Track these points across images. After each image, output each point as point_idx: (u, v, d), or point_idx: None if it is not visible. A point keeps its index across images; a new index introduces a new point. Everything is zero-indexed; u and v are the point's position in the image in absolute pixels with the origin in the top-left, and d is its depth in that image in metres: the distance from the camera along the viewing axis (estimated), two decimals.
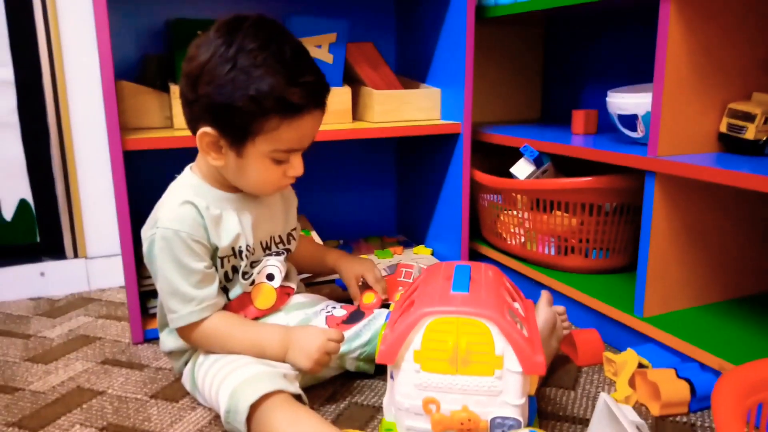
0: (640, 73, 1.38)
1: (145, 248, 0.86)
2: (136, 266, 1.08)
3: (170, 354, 0.95)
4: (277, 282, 0.94)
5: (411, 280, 1.13)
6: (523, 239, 1.30)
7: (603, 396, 0.79)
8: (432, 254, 1.47)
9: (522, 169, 1.24)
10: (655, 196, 0.97)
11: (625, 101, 1.06)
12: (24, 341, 1.13)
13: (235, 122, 0.79)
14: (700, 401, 0.87)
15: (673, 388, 0.86)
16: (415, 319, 0.74)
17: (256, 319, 0.93)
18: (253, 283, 0.92)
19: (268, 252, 0.94)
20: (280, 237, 0.96)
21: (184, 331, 0.86)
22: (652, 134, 0.96)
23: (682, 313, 1.03)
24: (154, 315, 1.16)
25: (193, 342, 0.87)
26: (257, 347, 0.85)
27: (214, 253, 0.87)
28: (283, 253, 0.97)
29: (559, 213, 1.22)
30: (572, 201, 1.18)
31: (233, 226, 0.88)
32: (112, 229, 1.39)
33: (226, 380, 0.78)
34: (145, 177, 1.14)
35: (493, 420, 0.74)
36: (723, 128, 0.98)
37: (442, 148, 1.38)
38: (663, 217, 0.98)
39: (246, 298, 0.92)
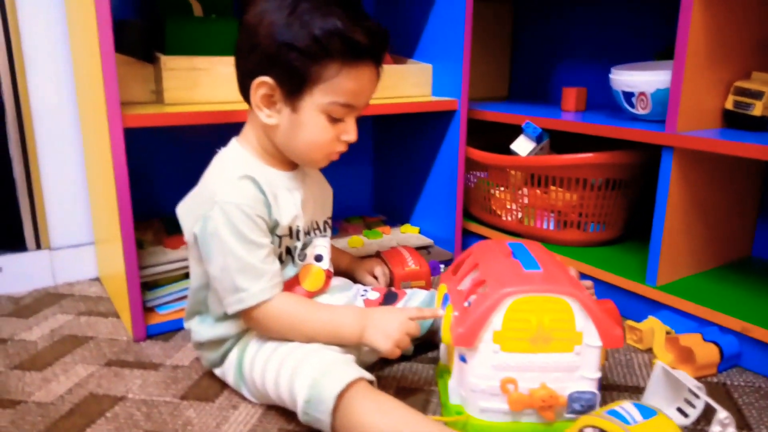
0: (612, 50, 1.44)
1: (198, 227, 0.79)
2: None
3: (204, 345, 0.87)
4: (325, 263, 0.90)
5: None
6: (520, 215, 1.32)
7: (659, 363, 0.82)
8: (419, 232, 1.46)
9: (523, 145, 1.25)
10: (672, 169, 1.01)
11: (634, 79, 1.10)
12: (1, 346, 1.00)
13: (293, 66, 0.75)
14: (727, 362, 0.93)
15: (705, 351, 0.91)
16: (497, 300, 0.73)
17: None
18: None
19: (309, 237, 0.89)
20: (317, 223, 0.91)
21: (250, 313, 0.79)
22: (671, 111, 1.00)
23: (690, 280, 1.10)
24: (151, 309, 1.06)
25: (259, 324, 0.80)
26: (332, 328, 0.80)
27: (272, 230, 0.82)
28: (326, 234, 0.92)
29: (554, 188, 1.25)
30: (574, 176, 1.21)
31: (291, 205, 0.84)
32: (80, 217, 1.26)
33: (300, 369, 0.73)
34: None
35: (570, 395, 0.75)
36: (729, 105, 1.04)
37: (434, 126, 1.36)
38: (676, 190, 1.03)
39: (294, 280, 0.87)
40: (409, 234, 1.45)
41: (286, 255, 0.85)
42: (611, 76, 1.17)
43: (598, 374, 0.75)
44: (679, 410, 0.82)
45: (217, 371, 0.88)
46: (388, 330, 0.79)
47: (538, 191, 1.27)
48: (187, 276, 1.11)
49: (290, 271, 0.87)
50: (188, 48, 1.09)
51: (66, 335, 1.04)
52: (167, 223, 1.26)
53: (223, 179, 0.80)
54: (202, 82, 1.10)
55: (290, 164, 0.87)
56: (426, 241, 1.41)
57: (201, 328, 0.87)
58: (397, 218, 1.54)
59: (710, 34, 0.99)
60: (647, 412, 0.64)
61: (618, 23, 1.44)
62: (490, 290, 0.74)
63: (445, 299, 0.83)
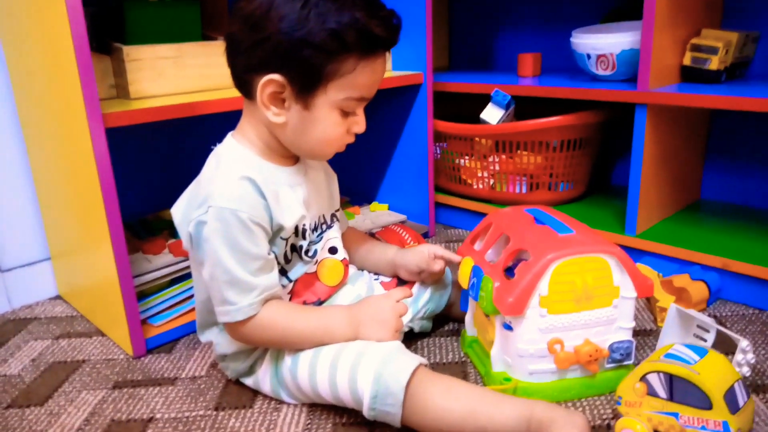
0: (550, 17, 1.49)
1: (191, 230, 0.74)
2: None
3: (229, 357, 0.83)
4: (341, 254, 0.87)
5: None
6: (492, 182, 1.35)
7: (673, 305, 0.89)
8: (389, 209, 1.46)
9: (492, 114, 1.28)
10: (647, 124, 1.08)
11: (600, 41, 1.15)
12: None
13: (308, 64, 0.70)
14: (713, 296, 1.02)
15: (696, 289, 0.99)
16: (543, 266, 0.75)
17: (322, 300, 0.85)
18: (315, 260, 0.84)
19: (316, 233, 0.85)
20: (324, 217, 0.87)
21: (236, 326, 0.75)
22: (642, 70, 1.06)
23: (662, 226, 1.18)
24: (144, 321, 0.99)
25: (245, 337, 0.76)
26: (324, 332, 0.76)
27: (275, 234, 0.77)
28: (333, 226, 0.88)
29: (521, 152, 1.30)
30: (543, 139, 1.26)
31: (295, 203, 0.79)
32: (31, 233, 1.13)
33: (359, 365, 0.71)
34: None
35: (610, 346, 0.79)
36: (687, 61, 1.11)
37: (399, 101, 1.35)
38: (649, 143, 1.10)
39: (311, 278, 0.84)
40: (380, 212, 1.44)
41: (292, 253, 0.81)
42: (573, 39, 1.22)
43: (633, 323, 0.80)
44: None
45: (247, 381, 0.83)
46: (383, 318, 0.78)
47: (504, 157, 1.31)
48: (174, 282, 1.05)
49: (300, 269, 0.82)
50: (150, 36, 1.00)
51: (52, 363, 0.94)
52: (134, 228, 1.17)
53: (220, 181, 0.73)
54: (168, 73, 1.02)
55: (292, 158, 0.82)
56: (399, 217, 1.41)
57: (224, 340, 0.82)
58: (362, 198, 1.53)
59: None
60: (700, 351, 0.69)
61: None
62: (533, 257, 0.76)
63: (475, 271, 0.84)
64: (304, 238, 0.81)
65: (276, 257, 0.77)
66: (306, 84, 0.72)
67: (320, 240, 0.84)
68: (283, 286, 0.80)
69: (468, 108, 1.43)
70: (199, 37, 1.07)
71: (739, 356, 0.78)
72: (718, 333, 0.85)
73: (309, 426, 0.77)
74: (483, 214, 1.38)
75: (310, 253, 0.82)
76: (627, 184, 1.44)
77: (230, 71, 0.77)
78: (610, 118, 1.27)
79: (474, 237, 0.92)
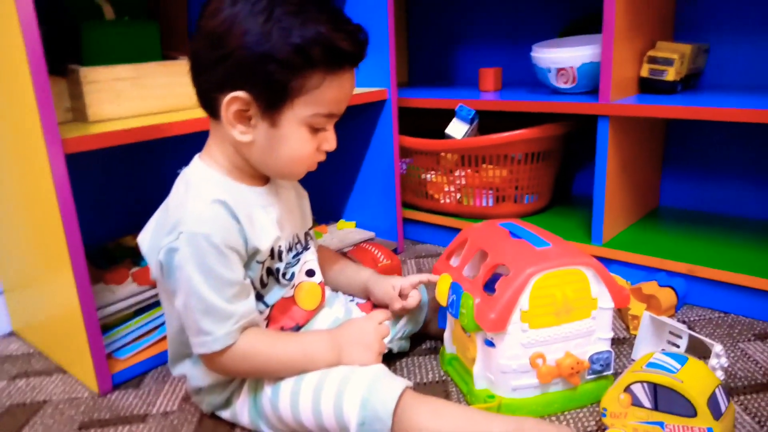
0: (509, 32, 1.52)
1: (162, 258, 0.70)
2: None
3: (204, 390, 0.79)
4: (318, 277, 0.85)
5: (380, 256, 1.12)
6: (459, 196, 1.36)
7: (646, 313, 0.90)
8: (356, 227, 1.45)
9: (458, 128, 1.29)
10: (609, 135, 1.10)
11: (561, 55, 1.17)
12: None
13: (273, 80, 0.68)
14: (680, 302, 1.04)
15: (665, 296, 1.01)
16: (524, 281, 0.75)
17: (300, 325, 0.83)
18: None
19: (292, 254, 0.83)
20: (298, 237, 0.84)
21: (213, 357, 0.72)
22: (603, 82, 1.08)
23: (626, 234, 1.21)
24: (109, 355, 0.94)
25: (223, 368, 0.73)
26: (306, 359, 0.74)
27: (250, 257, 0.74)
28: (309, 247, 0.86)
29: (486, 166, 1.31)
30: (509, 153, 1.27)
31: (269, 225, 0.76)
32: None
33: (343, 392, 0.69)
34: None
35: (591, 357, 0.80)
36: (644, 73, 1.15)
37: (363, 117, 1.34)
38: (611, 153, 1.12)
39: (288, 302, 0.81)
40: (347, 230, 1.42)
41: (268, 276, 0.78)
42: (534, 54, 1.24)
43: (612, 333, 0.81)
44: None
45: (224, 414, 0.80)
46: (366, 342, 0.76)
47: (469, 171, 1.32)
48: (139, 312, 1.01)
49: (277, 293, 0.80)
50: (107, 56, 0.97)
51: (10, 405, 0.88)
52: (94, 257, 1.11)
53: (190, 205, 0.70)
54: (127, 94, 0.99)
55: (263, 179, 0.79)
56: (367, 234, 1.39)
57: (198, 373, 0.78)
58: (328, 216, 1.51)
59: (630, 9, 1.08)
60: (680, 359, 0.70)
61: (509, 6, 1.52)
62: (512, 272, 0.76)
63: (454, 288, 0.83)
64: (280, 260, 0.78)
65: (252, 282, 0.75)
66: (271, 101, 0.70)
67: (297, 262, 0.82)
68: (260, 312, 0.77)
69: (430, 123, 1.43)
70: (159, 57, 1.03)
71: (713, 361, 0.80)
72: (690, 338, 0.87)
73: None
74: (451, 229, 1.39)
75: (287, 276, 0.80)
76: (588, 194, 1.49)
77: (195, 90, 0.74)
78: (571, 130, 1.30)
79: (449, 253, 0.92)
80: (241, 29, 0.67)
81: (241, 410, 0.78)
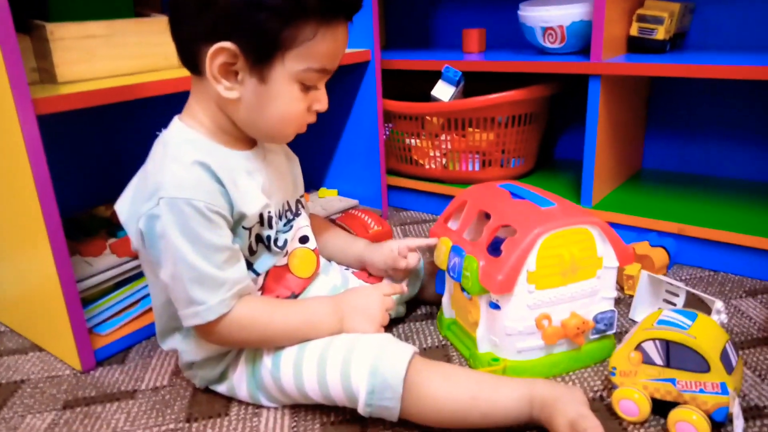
0: None
1: (142, 226, 0.66)
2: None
3: (197, 364, 0.75)
4: (312, 243, 0.81)
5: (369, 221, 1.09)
6: (444, 161, 1.33)
7: (644, 272, 0.90)
8: (338, 194, 1.41)
9: (444, 91, 1.25)
10: (601, 95, 1.08)
11: (551, 14, 1.14)
12: None
13: (263, 29, 0.63)
14: (672, 261, 1.05)
15: (658, 256, 1.01)
16: (532, 241, 0.73)
17: (296, 294, 0.79)
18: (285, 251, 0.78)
19: (282, 222, 0.79)
20: (288, 204, 0.80)
21: (208, 327, 0.68)
22: (595, 41, 1.06)
23: (614, 195, 1.20)
24: (90, 330, 0.89)
25: (220, 338, 0.69)
26: (307, 327, 0.71)
27: (236, 223, 0.70)
28: (301, 213, 0.82)
29: (471, 130, 1.28)
30: (495, 115, 1.25)
31: (255, 191, 0.71)
32: None
33: (350, 361, 0.66)
34: None
35: (595, 317, 0.79)
36: (634, 32, 1.13)
37: (345, 80, 1.29)
38: (602, 114, 1.11)
39: (282, 271, 0.78)
40: (329, 197, 1.38)
41: (257, 244, 0.74)
42: (521, 12, 1.21)
43: (615, 293, 0.80)
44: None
45: (219, 388, 0.76)
46: (370, 312, 0.74)
47: (455, 135, 1.29)
48: (119, 285, 0.96)
49: (267, 261, 0.75)
50: (76, 12, 0.90)
51: None
52: (66, 228, 1.05)
53: (169, 168, 0.65)
54: (99, 53, 0.92)
55: (249, 142, 0.74)
56: (350, 202, 1.36)
57: (189, 347, 0.74)
58: (307, 184, 1.44)
59: None
60: (689, 315, 0.69)
61: None
62: (519, 232, 0.74)
63: (455, 251, 0.81)
64: (270, 227, 0.74)
65: (240, 249, 0.71)
66: (261, 53, 0.64)
67: (290, 229, 0.78)
68: (252, 281, 0.73)
69: (411, 87, 1.39)
70: (131, 14, 0.96)
71: (714, 317, 0.80)
72: (688, 296, 0.87)
73: (295, 428, 0.71)
74: (436, 195, 1.36)
75: (279, 243, 0.76)
76: (570, 158, 1.48)
77: (175, 44, 0.68)
78: (557, 92, 1.28)
79: (447, 216, 0.89)
80: None
81: (238, 383, 0.74)
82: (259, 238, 0.74)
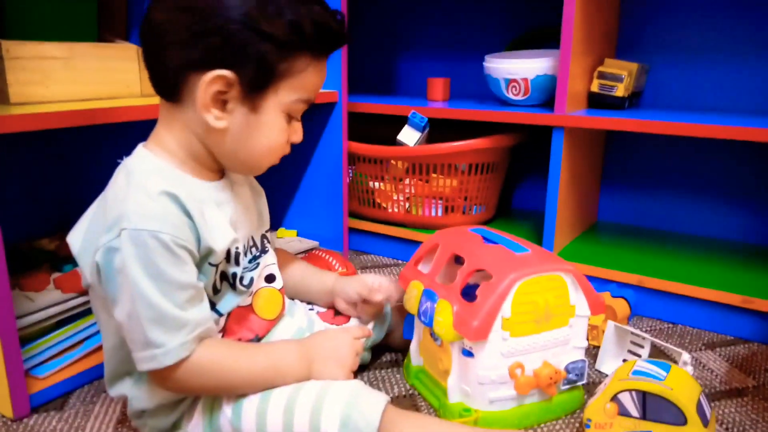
0: (451, 44, 1.52)
1: (99, 259, 0.61)
2: None
3: (148, 413, 0.69)
4: (278, 282, 0.77)
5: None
6: (408, 205, 1.32)
7: (611, 322, 0.90)
8: (297, 235, 1.37)
9: (409, 136, 1.25)
10: (564, 147, 1.11)
11: (516, 66, 1.17)
12: None
13: (263, 58, 0.62)
14: (633, 312, 1.06)
15: (620, 306, 1.02)
16: (507, 286, 0.71)
17: (260, 336, 0.75)
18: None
19: (248, 258, 0.75)
20: (253, 240, 0.76)
21: (165, 372, 0.62)
22: (560, 95, 1.09)
23: (573, 246, 1.22)
24: (26, 372, 0.81)
25: (177, 384, 0.64)
26: (273, 373, 0.67)
27: (203, 258, 0.66)
28: (268, 250, 0.79)
29: (435, 175, 1.28)
30: (459, 162, 1.25)
31: (224, 223, 0.68)
32: None
33: (321, 409, 0.62)
34: None
35: (566, 367, 0.78)
36: (594, 88, 1.17)
37: (311, 120, 1.28)
38: (564, 165, 1.13)
39: (245, 311, 0.73)
40: (288, 238, 1.35)
41: (221, 282, 0.70)
42: (486, 64, 1.23)
43: (586, 343, 0.79)
44: (624, 361, 0.91)
45: None
46: (340, 357, 0.71)
47: (418, 180, 1.29)
48: (61, 324, 0.88)
49: (231, 300, 0.71)
50: (35, 32, 0.85)
51: None
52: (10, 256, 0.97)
53: (134, 198, 0.61)
54: (56, 76, 0.87)
55: (218, 172, 0.72)
56: (310, 243, 1.32)
57: (140, 393, 0.68)
58: None
59: (584, 26, 1.10)
60: (663, 366, 0.69)
61: (453, 19, 1.52)
62: (495, 278, 0.73)
63: (427, 295, 0.79)
64: (237, 263, 0.70)
65: (204, 287, 0.66)
66: (257, 82, 0.63)
67: (256, 267, 0.74)
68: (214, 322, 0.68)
69: (373, 131, 1.40)
70: (94, 38, 0.92)
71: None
72: (652, 346, 0.88)
73: None
74: (397, 239, 1.35)
75: (245, 282, 0.72)
76: (527, 208, 1.51)
77: (151, 69, 0.65)
78: (519, 142, 1.30)
79: (418, 259, 0.87)
80: (230, 3, 0.60)
81: None
82: (223, 276, 0.70)
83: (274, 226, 1.41)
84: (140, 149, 0.68)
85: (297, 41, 0.63)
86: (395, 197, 1.32)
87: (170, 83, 0.64)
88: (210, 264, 0.66)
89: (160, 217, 0.61)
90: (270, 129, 0.67)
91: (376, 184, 1.34)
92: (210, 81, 0.61)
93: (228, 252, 0.68)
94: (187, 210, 0.63)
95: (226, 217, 0.69)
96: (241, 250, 0.71)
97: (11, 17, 0.82)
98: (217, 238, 0.66)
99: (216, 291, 0.69)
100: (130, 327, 0.61)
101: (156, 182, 0.63)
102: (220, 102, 0.64)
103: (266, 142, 0.67)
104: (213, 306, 0.69)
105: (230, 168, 0.72)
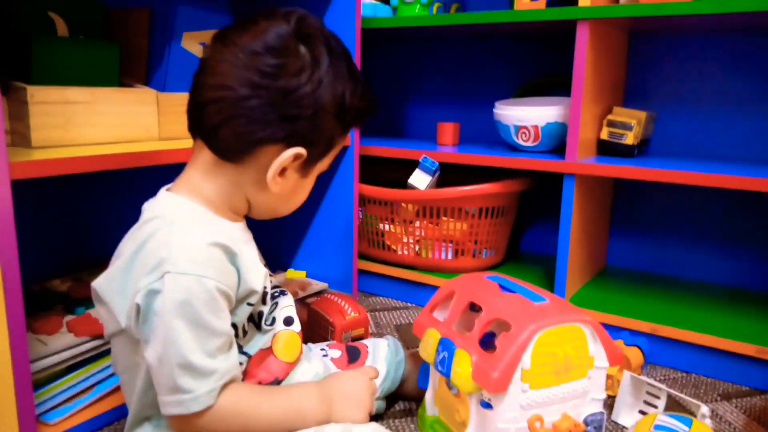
0: (459, 90, 1.55)
1: (140, 301, 0.61)
2: None
3: None
4: (297, 325, 0.77)
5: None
6: (418, 248, 1.32)
7: (627, 373, 0.89)
8: (306, 276, 1.37)
9: (420, 179, 1.26)
10: (575, 193, 1.12)
11: (527, 113, 1.19)
12: None
13: (331, 138, 0.70)
14: (647, 361, 1.05)
15: (634, 355, 1.01)
16: (527, 338, 0.71)
17: (280, 379, 0.74)
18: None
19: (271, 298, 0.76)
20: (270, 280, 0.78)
21: (190, 419, 0.62)
22: (570, 142, 1.11)
23: (583, 292, 1.22)
24: (36, 418, 0.79)
25: (201, 430, 0.63)
26: (293, 416, 0.67)
27: (240, 301, 0.67)
28: (286, 293, 0.79)
29: (445, 218, 1.29)
30: (469, 206, 1.26)
31: (257, 265, 0.70)
32: None
33: None
34: None
35: (585, 419, 0.77)
36: (604, 136, 1.19)
37: None
38: (575, 211, 1.14)
39: (264, 354, 0.73)
40: (297, 279, 1.34)
41: (248, 324, 0.71)
42: (496, 111, 1.25)
43: (605, 395, 0.78)
44: (641, 412, 0.90)
45: None
46: (359, 398, 0.72)
47: (428, 223, 1.30)
48: (72, 368, 0.87)
49: (258, 341, 0.73)
50: (59, 77, 0.86)
51: None
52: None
53: (179, 243, 0.62)
54: (77, 120, 0.88)
55: (242, 215, 0.74)
56: (320, 285, 1.32)
57: None
58: (275, 264, 1.42)
59: (594, 75, 1.12)
60: (685, 421, 0.69)
61: (466, 65, 1.55)
62: (515, 328, 0.72)
63: (444, 344, 0.78)
64: (264, 303, 0.72)
65: (234, 328, 0.67)
66: (320, 157, 0.71)
67: (276, 307, 0.75)
68: (240, 364, 0.68)
69: (382, 174, 1.41)
70: (116, 83, 0.94)
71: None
72: (668, 397, 0.87)
73: None
74: (407, 281, 1.35)
75: (268, 322, 0.73)
76: (536, 251, 1.51)
77: (213, 130, 0.65)
78: (528, 187, 1.31)
79: (433, 306, 0.87)
80: (326, 92, 0.66)
81: None
82: (250, 317, 0.71)
83: (284, 266, 1.41)
84: (169, 195, 0.69)
85: (354, 120, 0.71)
86: (405, 239, 1.32)
87: (238, 149, 0.66)
88: (248, 304, 0.68)
89: (206, 263, 0.62)
90: (307, 190, 0.75)
91: (386, 226, 1.34)
92: (288, 157, 0.66)
93: (263, 293, 0.71)
94: (232, 254, 0.65)
95: (255, 255, 0.72)
96: (268, 288, 0.73)
97: (37, 63, 0.83)
98: (255, 278, 0.68)
99: (244, 333, 0.70)
100: (160, 370, 0.61)
101: (201, 231, 0.64)
102: (283, 170, 0.68)
103: (301, 200, 0.75)
104: (240, 348, 0.70)
105: (257, 216, 0.75)
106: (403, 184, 1.29)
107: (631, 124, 1.16)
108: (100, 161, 0.81)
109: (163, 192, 0.70)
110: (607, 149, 1.19)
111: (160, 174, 0.73)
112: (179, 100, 0.99)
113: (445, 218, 1.29)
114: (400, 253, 1.34)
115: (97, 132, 0.91)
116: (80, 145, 0.88)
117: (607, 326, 1.11)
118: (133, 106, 0.96)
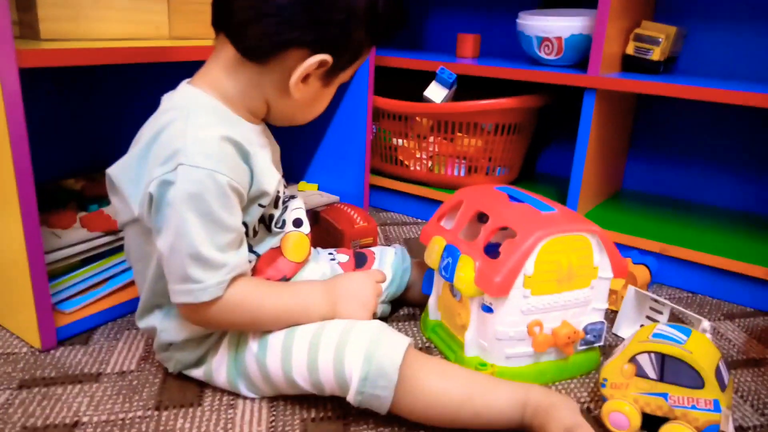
0: (480, 2, 1.49)
1: (153, 190, 0.61)
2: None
3: (175, 346, 0.71)
4: (306, 227, 0.78)
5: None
6: (430, 164, 1.31)
7: (631, 288, 0.90)
8: (318, 189, 1.37)
9: (436, 92, 1.23)
10: (594, 110, 1.09)
11: (551, 24, 1.14)
12: None
13: (358, 47, 0.67)
14: (654, 279, 1.05)
15: (641, 273, 1.02)
16: (532, 244, 0.71)
17: (287, 277, 0.76)
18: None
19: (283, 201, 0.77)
20: (284, 184, 0.78)
21: (198, 308, 0.63)
22: (594, 55, 1.07)
23: (596, 212, 1.21)
24: (53, 307, 0.83)
25: (208, 320, 0.65)
26: (298, 311, 0.68)
27: (251, 201, 0.67)
28: (296, 196, 0.80)
29: (459, 134, 1.27)
30: (485, 122, 1.24)
31: (271, 165, 0.70)
32: None
33: (346, 345, 0.63)
34: None
35: (585, 327, 0.78)
36: (630, 51, 1.14)
37: None
38: (594, 129, 1.11)
39: (274, 253, 0.74)
40: (309, 192, 1.35)
41: (259, 225, 0.72)
42: (520, 21, 1.20)
43: (606, 305, 0.79)
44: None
45: (195, 373, 0.72)
46: (363, 298, 0.73)
47: (442, 139, 1.28)
48: (86, 262, 0.90)
49: (267, 242, 0.73)
50: None
51: None
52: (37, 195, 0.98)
53: (194, 136, 0.61)
54: (87, 14, 0.87)
55: (260, 118, 0.72)
56: (331, 198, 1.32)
57: (169, 326, 0.70)
58: (287, 176, 1.41)
59: None
60: (684, 330, 0.69)
61: None
62: (520, 235, 0.72)
63: (449, 251, 0.79)
64: (276, 206, 0.73)
65: (246, 227, 0.68)
66: (344, 66, 0.68)
67: (285, 210, 0.76)
68: (249, 262, 0.69)
69: (399, 88, 1.38)
70: None
71: None
72: (671, 313, 0.87)
73: (273, 423, 0.67)
74: (418, 197, 1.34)
75: (279, 225, 0.74)
76: (550, 172, 1.49)
77: (240, 26, 0.63)
78: (546, 104, 1.28)
79: (441, 215, 0.87)
80: (364, 0, 0.64)
81: (217, 368, 0.70)
82: (261, 218, 0.71)
83: (296, 178, 1.41)
84: (189, 87, 0.68)
85: (383, 31, 0.68)
86: (418, 155, 1.31)
87: (263, 49, 0.64)
88: (260, 205, 0.68)
89: (219, 158, 0.61)
90: (327, 99, 0.72)
91: (400, 141, 1.32)
92: (314, 63, 0.64)
93: (276, 195, 0.71)
94: (245, 153, 0.64)
95: (269, 159, 0.71)
96: (281, 193, 0.73)
97: None
98: (268, 180, 0.68)
99: (255, 233, 0.71)
100: (171, 260, 0.62)
101: (215, 124, 0.64)
102: (306, 76, 0.66)
103: (320, 110, 0.73)
104: (250, 248, 0.71)
105: (274, 121, 0.74)
106: (419, 99, 1.26)
107: (660, 38, 1.11)
108: (109, 54, 0.80)
109: (183, 84, 0.69)
110: (631, 65, 1.15)
111: (174, 78, 0.71)
112: None
113: (459, 134, 1.27)
114: (412, 168, 1.33)
115: (106, 27, 0.89)
116: (89, 39, 0.87)
117: (616, 244, 1.10)
118: (144, 2, 0.93)
